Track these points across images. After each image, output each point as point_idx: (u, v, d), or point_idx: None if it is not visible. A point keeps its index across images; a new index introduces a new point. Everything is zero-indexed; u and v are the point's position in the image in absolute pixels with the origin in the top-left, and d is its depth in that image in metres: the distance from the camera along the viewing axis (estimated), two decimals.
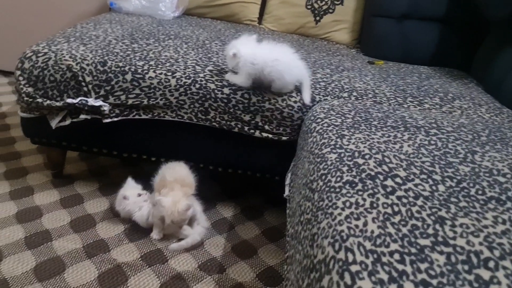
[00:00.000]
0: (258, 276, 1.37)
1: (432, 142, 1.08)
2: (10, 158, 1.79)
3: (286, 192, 1.34)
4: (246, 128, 1.47)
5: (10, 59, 2.48)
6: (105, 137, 1.56)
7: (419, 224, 0.76)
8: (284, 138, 1.48)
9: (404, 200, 0.82)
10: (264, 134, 1.48)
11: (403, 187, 0.87)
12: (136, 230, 1.48)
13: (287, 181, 1.37)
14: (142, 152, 1.61)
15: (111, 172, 1.82)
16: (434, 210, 0.80)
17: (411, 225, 0.75)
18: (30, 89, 1.45)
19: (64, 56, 1.44)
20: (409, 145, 1.05)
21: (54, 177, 1.71)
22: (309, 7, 2.19)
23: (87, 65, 1.43)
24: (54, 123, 1.49)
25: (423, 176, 0.91)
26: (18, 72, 1.46)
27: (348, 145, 1.05)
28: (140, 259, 1.36)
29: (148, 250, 1.40)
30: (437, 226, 0.75)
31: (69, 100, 1.44)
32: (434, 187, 0.88)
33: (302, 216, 0.95)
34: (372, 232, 0.73)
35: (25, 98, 1.46)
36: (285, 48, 1.43)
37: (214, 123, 1.47)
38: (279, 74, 1.38)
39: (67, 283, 1.23)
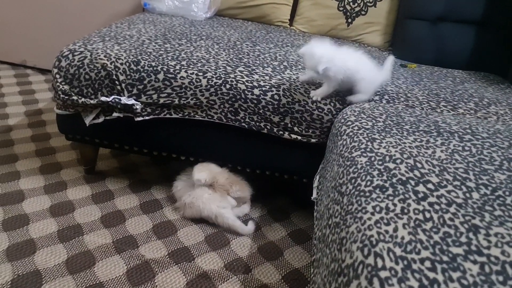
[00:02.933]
0: (283, 278, 1.37)
1: (466, 148, 1.05)
2: (45, 154, 1.85)
3: (314, 195, 1.33)
4: (275, 130, 1.47)
5: (46, 57, 2.57)
6: (136, 135, 1.59)
7: (452, 231, 0.74)
8: (313, 140, 1.47)
9: (436, 207, 0.81)
10: (293, 136, 1.47)
11: (435, 194, 0.85)
12: (164, 228, 1.51)
13: (315, 184, 1.36)
14: (172, 151, 1.63)
15: (141, 169, 1.85)
16: (467, 218, 0.78)
17: (443, 232, 0.74)
18: (66, 87, 1.50)
19: (99, 55, 1.47)
20: (442, 151, 1.03)
21: (86, 173, 1.75)
22: (341, 9, 2.18)
23: (121, 64, 1.46)
24: (88, 120, 1.53)
25: (456, 182, 0.89)
26: (55, 70, 1.50)
27: (379, 149, 1.03)
28: (167, 256, 1.38)
29: (176, 248, 1.42)
30: (471, 235, 0.73)
31: (103, 98, 1.47)
32: (467, 195, 0.85)
33: (330, 219, 0.94)
34: (403, 238, 0.72)
35: (61, 96, 1.50)
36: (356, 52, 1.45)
37: (243, 124, 1.48)
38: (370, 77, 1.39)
39: (97, 277, 1.26)
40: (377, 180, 0.90)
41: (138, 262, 1.34)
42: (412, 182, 0.89)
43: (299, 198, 1.78)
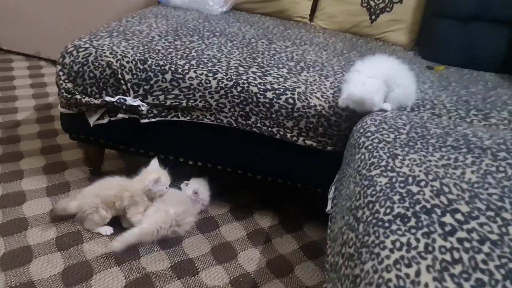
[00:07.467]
0: None
1: (501, 168, 0.93)
2: (50, 151, 1.78)
3: (328, 207, 1.23)
4: (288, 135, 1.37)
5: (60, 49, 2.48)
6: (142, 137, 1.51)
7: (486, 279, 0.63)
8: (329, 148, 1.37)
9: (467, 245, 0.70)
10: (308, 142, 1.37)
11: (465, 227, 0.74)
12: (168, 238, 1.42)
13: (330, 195, 1.26)
14: (179, 155, 1.54)
15: None
16: (503, 260, 0.67)
17: (475, 279, 0.63)
18: (69, 85, 1.42)
19: (105, 52, 1.39)
20: (472, 172, 0.91)
21: (91, 174, 1.68)
22: (364, 5, 2.05)
23: (127, 62, 1.38)
24: (92, 121, 1.45)
25: (490, 213, 0.78)
26: (59, 67, 1.43)
27: (401, 167, 0.92)
28: (170, 269, 1.30)
29: (179, 260, 1.34)
30: (508, 284, 0.62)
31: (108, 98, 1.39)
32: (503, 229, 0.74)
33: (344, 247, 0.84)
34: (426, 285, 0.62)
35: (64, 94, 1.43)
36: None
37: (254, 129, 1.38)
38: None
39: None
40: (398, 207, 0.79)
41: (138, 275, 1.26)
42: (438, 211, 0.78)
43: (313, 208, 1.67)
